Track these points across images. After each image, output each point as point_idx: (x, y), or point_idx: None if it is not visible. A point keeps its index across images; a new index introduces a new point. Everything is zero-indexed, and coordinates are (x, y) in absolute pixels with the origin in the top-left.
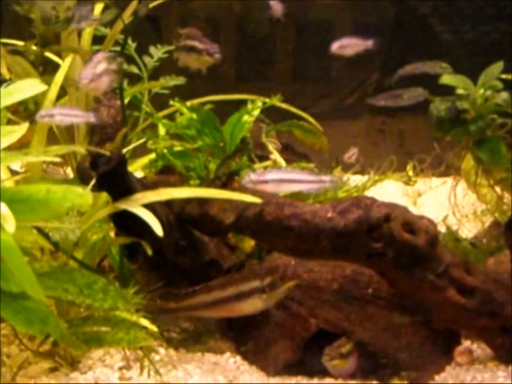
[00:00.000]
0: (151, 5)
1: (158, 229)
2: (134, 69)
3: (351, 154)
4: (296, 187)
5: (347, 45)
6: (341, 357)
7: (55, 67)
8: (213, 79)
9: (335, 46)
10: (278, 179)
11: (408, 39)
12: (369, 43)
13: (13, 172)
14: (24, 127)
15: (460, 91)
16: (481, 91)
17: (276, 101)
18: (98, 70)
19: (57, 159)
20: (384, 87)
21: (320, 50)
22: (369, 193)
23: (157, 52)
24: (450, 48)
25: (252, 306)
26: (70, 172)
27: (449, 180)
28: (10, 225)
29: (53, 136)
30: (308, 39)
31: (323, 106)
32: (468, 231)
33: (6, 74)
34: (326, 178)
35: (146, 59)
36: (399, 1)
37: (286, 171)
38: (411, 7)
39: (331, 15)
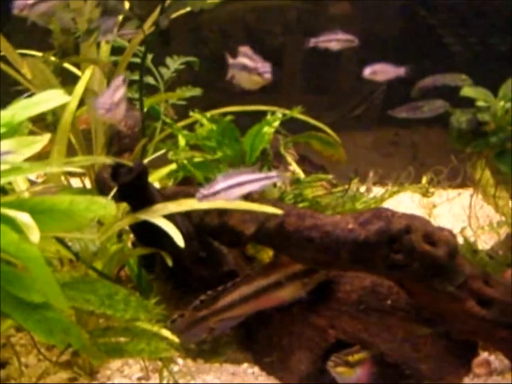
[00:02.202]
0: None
1: (179, 240)
2: (151, 80)
3: (370, 179)
4: (247, 189)
5: (379, 71)
6: (348, 365)
7: (73, 77)
8: (223, 90)
9: (367, 72)
10: (228, 186)
11: (417, 50)
12: (400, 71)
13: (32, 183)
14: (46, 137)
15: (480, 103)
16: (501, 103)
17: (297, 113)
18: (115, 98)
19: (80, 170)
20: (392, 98)
21: (328, 61)
22: (385, 204)
23: (174, 63)
24: (458, 59)
25: (296, 291)
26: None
27: (464, 192)
28: (35, 236)
29: (71, 147)
30: (316, 50)
31: (330, 117)
32: (484, 242)
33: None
34: (273, 173)
35: (163, 70)
36: (407, 12)
37: (232, 176)
38: (419, 18)
39: (339, 26)
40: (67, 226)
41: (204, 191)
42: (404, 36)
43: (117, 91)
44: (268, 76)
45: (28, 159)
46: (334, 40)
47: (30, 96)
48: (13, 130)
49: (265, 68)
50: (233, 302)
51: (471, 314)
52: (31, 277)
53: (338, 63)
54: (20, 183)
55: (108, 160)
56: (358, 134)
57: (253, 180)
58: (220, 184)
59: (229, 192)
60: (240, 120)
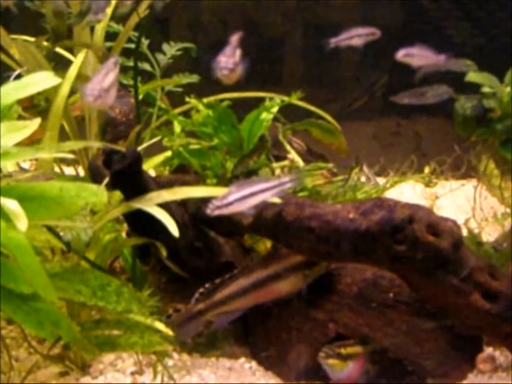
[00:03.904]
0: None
1: (174, 230)
2: (147, 67)
3: (368, 170)
4: (260, 198)
5: (416, 55)
6: (339, 358)
7: (67, 63)
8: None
9: (401, 54)
10: (241, 197)
11: (419, 41)
12: (440, 58)
13: (22, 170)
14: (36, 122)
15: (486, 89)
16: (508, 89)
17: (295, 99)
18: (105, 84)
19: (71, 156)
20: (393, 90)
21: (328, 52)
22: (387, 195)
23: (170, 49)
24: (461, 51)
25: (296, 283)
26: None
27: (468, 183)
28: (22, 224)
29: (64, 134)
30: (317, 41)
31: (333, 109)
32: (488, 234)
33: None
34: (286, 179)
35: (159, 56)
36: (409, 3)
37: (245, 186)
38: (421, 9)
39: (340, 16)
40: (57, 214)
41: (216, 202)
42: (406, 25)
43: (107, 76)
44: (225, 72)
45: (18, 145)
46: (356, 36)
47: (17, 77)
48: (1, 114)
49: (224, 63)
50: (231, 295)
51: (476, 308)
52: (19, 267)
53: (339, 53)
54: (9, 170)
55: (98, 144)
56: (360, 124)
57: (266, 188)
58: (233, 195)
59: (243, 203)
60: (239, 109)
